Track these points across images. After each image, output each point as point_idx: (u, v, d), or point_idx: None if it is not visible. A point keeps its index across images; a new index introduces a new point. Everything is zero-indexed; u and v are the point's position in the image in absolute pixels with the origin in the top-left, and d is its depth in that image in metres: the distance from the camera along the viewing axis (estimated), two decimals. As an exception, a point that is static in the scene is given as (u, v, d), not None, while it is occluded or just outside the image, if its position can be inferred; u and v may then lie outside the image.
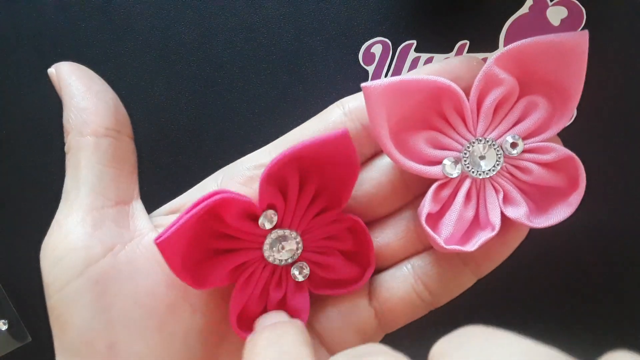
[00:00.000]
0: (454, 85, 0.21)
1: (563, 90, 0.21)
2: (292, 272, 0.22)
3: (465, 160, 0.21)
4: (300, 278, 0.22)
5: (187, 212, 0.19)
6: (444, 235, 0.21)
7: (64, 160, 0.22)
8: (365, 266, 0.23)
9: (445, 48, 0.29)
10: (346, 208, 0.23)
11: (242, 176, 0.22)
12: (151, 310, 0.20)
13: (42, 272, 0.20)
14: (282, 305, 0.22)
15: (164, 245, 0.19)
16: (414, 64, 0.29)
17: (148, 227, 0.22)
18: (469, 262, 0.22)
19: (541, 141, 0.21)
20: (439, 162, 0.22)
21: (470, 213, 0.21)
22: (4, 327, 0.33)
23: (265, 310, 0.22)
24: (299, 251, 0.22)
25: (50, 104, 0.31)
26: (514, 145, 0.21)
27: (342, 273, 0.22)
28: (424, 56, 0.29)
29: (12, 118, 0.31)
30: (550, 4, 0.29)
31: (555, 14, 0.29)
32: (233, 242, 0.21)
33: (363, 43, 0.29)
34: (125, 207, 0.22)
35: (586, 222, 0.29)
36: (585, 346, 0.31)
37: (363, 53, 0.29)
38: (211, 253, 0.21)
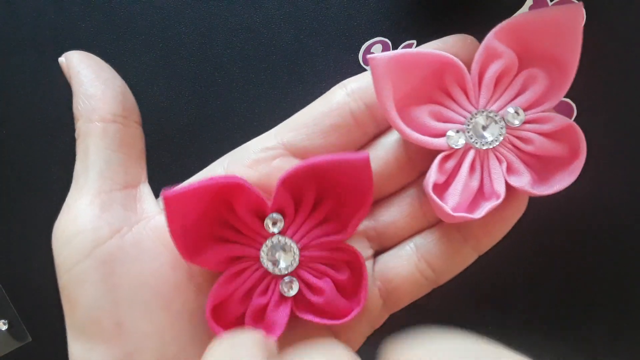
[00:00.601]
0: (456, 59, 0.22)
1: (560, 62, 0.22)
2: (280, 285, 0.22)
3: (468, 132, 0.22)
4: (287, 293, 0.22)
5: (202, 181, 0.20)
6: (451, 204, 0.21)
7: (65, 161, 0.22)
8: (354, 305, 0.22)
9: (445, 48, 0.29)
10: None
11: (248, 159, 0.22)
12: (157, 290, 0.21)
13: (54, 253, 0.21)
14: (262, 314, 0.22)
15: (171, 199, 0.19)
16: (414, 64, 0.29)
17: (155, 210, 0.22)
18: (470, 239, 0.22)
19: (541, 112, 0.22)
20: (442, 135, 0.22)
21: (474, 183, 0.22)
22: (4, 327, 0.33)
23: (243, 315, 0.22)
24: (294, 265, 0.22)
25: (50, 104, 0.31)
26: (515, 115, 0.22)
27: (330, 303, 0.22)
28: (424, 56, 0.29)
29: (12, 118, 0.31)
30: (550, 3, 0.29)
31: (555, 14, 0.29)
32: (235, 234, 0.22)
33: (363, 43, 0.29)
34: (132, 191, 0.22)
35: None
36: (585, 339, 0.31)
37: (363, 53, 0.29)
38: (212, 237, 0.22)
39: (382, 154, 0.23)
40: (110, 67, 0.23)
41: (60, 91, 0.30)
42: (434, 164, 0.22)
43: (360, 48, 0.29)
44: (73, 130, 0.22)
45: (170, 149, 0.30)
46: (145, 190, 0.23)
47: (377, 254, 0.24)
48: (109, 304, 0.20)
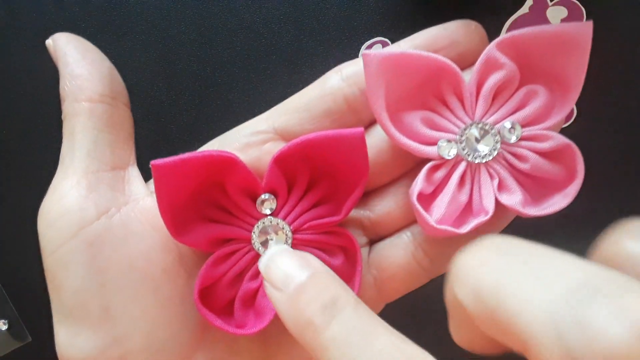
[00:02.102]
0: (454, 65, 0.21)
1: (564, 81, 0.21)
2: None
3: (461, 143, 0.21)
4: None
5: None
6: (435, 217, 0.21)
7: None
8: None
9: (445, 48, 0.29)
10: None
11: (238, 142, 0.22)
12: (146, 273, 0.20)
13: (39, 235, 0.20)
14: (252, 299, 0.21)
15: (159, 169, 0.19)
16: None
17: (144, 192, 0.22)
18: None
19: (539, 130, 0.21)
20: (434, 144, 0.21)
21: (463, 197, 0.21)
22: (4, 327, 0.33)
23: (233, 300, 0.21)
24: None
25: (50, 104, 0.31)
26: (512, 131, 0.21)
27: None
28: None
29: (12, 118, 0.31)
30: (550, 4, 0.29)
31: (555, 14, 0.29)
32: (226, 215, 0.21)
33: (363, 43, 0.29)
34: (120, 172, 0.22)
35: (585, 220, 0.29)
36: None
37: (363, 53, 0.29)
38: (202, 216, 0.21)
39: (376, 142, 0.22)
40: (97, 49, 0.22)
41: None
42: (422, 173, 0.21)
43: (360, 48, 0.29)
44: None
45: (171, 149, 0.30)
46: (134, 172, 0.22)
47: (372, 243, 0.23)
48: (95, 287, 0.20)
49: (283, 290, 0.16)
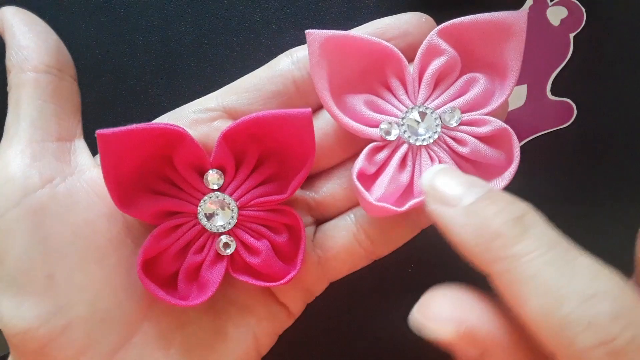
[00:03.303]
0: (397, 51, 0.21)
1: (502, 68, 0.22)
2: (217, 243, 0.21)
3: (402, 126, 0.22)
4: (224, 252, 0.21)
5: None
6: (375, 195, 0.21)
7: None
8: (291, 268, 0.22)
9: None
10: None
11: (187, 118, 0.22)
12: (91, 242, 0.20)
13: None
14: (196, 272, 0.22)
15: (105, 138, 0.19)
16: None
17: (90, 164, 0.22)
18: (411, 212, 0.22)
19: (479, 115, 0.22)
20: (376, 125, 0.22)
21: (405, 178, 0.22)
22: (4, 327, 0.33)
23: (176, 273, 0.21)
24: (232, 224, 0.21)
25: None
26: (451, 115, 0.21)
27: (266, 264, 0.21)
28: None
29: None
30: (550, 4, 0.29)
31: (555, 14, 0.29)
32: (173, 189, 0.21)
33: (363, 43, 0.29)
34: (66, 144, 0.21)
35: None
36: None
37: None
38: (149, 189, 0.21)
39: (322, 125, 0.23)
40: (44, 22, 0.22)
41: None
42: (363, 152, 0.21)
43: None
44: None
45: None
46: (80, 144, 0.22)
47: (318, 224, 0.24)
48: (39, 255, 0.19)
49: (457, 206, 0.16)
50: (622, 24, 0.28)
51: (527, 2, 0.29)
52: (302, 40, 0.27)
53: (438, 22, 0.22)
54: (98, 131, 0.19)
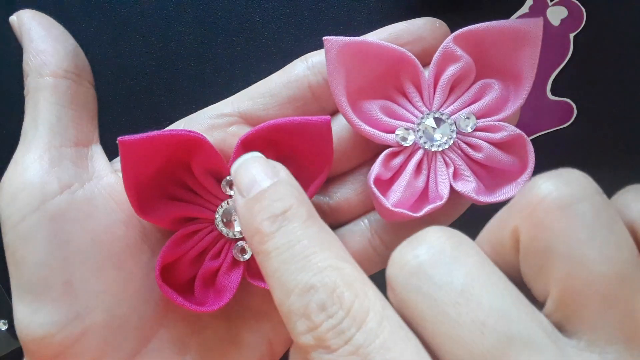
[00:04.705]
0: (413, 57, 0.21)
1: (517, 75, 0.22)
2: (233, 249, 0.22)
3: (418, 132, 0.22)
4: (240, 257, 0.22)
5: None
6: (392, 201, 0.21)
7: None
8: None
9: (445, 48, 0.29)
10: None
11: (203, 124, 0.22)
12: (109, 248, 0.20)
13: (0, 210, 0.20)
14: (213, 278, 0.22)
15: (126, 145, 0.19)
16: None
17: (108, 169, 0.21)
18: (424, 218, 0.22)
19: (493, 121, 0.22)
20: (392, 131, 0.22)
21: (420, 184, 0.22)
22: (4, 327, 0.33)
23: (194, 277, 0.22)
24: None
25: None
26: (467, 121, 0.22)
27: None
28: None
29: (13, 119, 0.31)
30: (550, 4, 0.29)
31: (555, 14, 0.29)
32: (191, 195, 0.21)
33: (363, 43, 0.29)
34: (84, 149, 0.21)
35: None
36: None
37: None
38: (167, 195, 0.21)
39: (337, 130, 0.22)
40: (61, 26, 0.22)
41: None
42: (380, 158, 0.22)
43: (360, 48, 0.29)
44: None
45: (170, 149, 0.30)
46: (97, 150, 0.22)
47: (332, 229, 0.24)
48: (57, 262, 0.19)
49: (245, 196, 0.16)
50: (622, 24, 0.28)
51: (527, 2, 0.29)
52: (302, 40, 0.27)
53: (438, 20, 0.22)
54: (120, 138, 0.19)
